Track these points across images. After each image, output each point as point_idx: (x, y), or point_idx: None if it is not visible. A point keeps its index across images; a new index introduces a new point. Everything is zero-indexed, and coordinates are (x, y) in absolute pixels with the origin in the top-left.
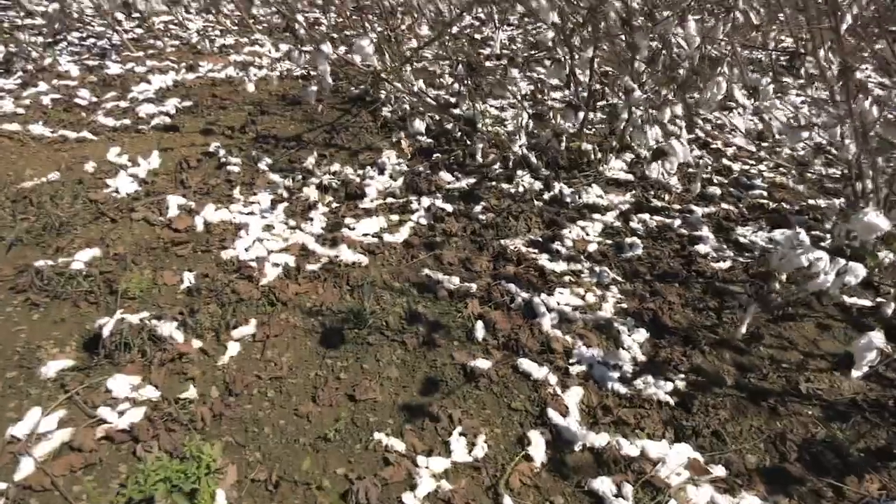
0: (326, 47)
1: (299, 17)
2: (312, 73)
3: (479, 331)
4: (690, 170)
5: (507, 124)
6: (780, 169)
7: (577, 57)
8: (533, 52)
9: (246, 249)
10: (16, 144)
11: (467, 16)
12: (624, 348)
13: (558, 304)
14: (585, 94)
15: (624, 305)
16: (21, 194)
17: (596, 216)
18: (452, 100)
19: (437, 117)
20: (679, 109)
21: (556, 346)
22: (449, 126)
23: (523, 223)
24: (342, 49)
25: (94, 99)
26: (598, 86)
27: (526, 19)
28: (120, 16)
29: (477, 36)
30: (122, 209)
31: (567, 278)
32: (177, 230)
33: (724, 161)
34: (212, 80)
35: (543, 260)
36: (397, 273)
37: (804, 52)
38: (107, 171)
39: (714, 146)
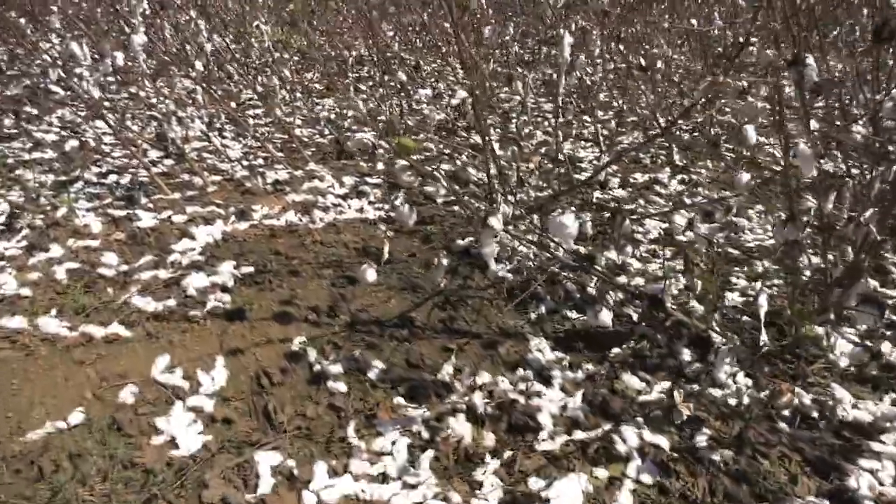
0: (497, 221)
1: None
2: (391, 213)
3: None
4: None
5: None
6: None
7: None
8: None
9: None
10: (19, 355)
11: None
12: None
13: None
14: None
15: None
16: (25, 456)
17: (875, 447)
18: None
19: (570, 280)
20: None
21: None
22: (589, 287)
23: (781, 468)
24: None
25: (125, 267)
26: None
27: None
28: (143, 143)
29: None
30: (186, 482)
31: None
32: None
33: None
34: (270, 229)
35: None
36: None
37: None
38: (154, 402)
39: None
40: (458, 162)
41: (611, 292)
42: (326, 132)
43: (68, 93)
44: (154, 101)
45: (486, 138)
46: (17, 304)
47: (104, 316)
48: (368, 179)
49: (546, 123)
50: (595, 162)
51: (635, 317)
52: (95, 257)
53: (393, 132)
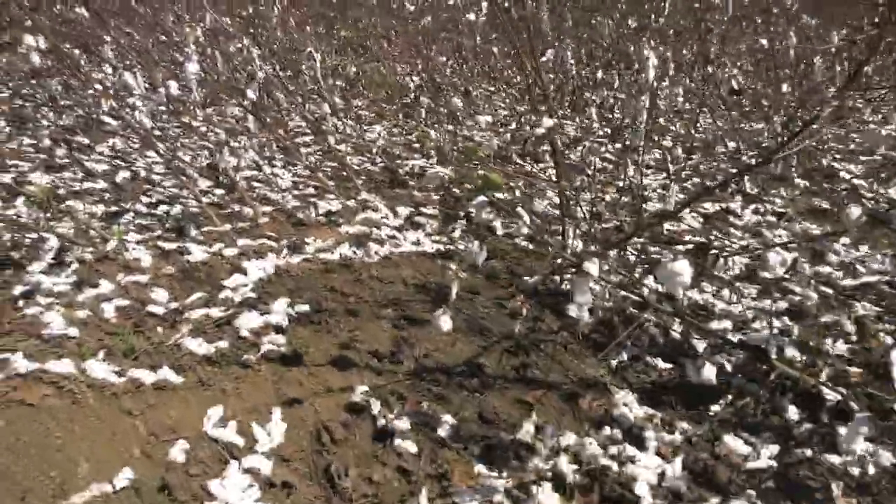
0: (594, 267)
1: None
2: (449, 246)
3: None
4: None
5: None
6: None
7: None
8: None
9: None
10: (65, 403)
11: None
12: None
13: None
14: None
15: None
16: None
17: None
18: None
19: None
20: None
21: None
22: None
23: None
24: None
25: (175, 304)
26: None
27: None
28: (194, 172)
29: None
30: None
31: None
32: None
33: None
34: (324, 263)
35: None
36: None
37: None
38: (207, 461)
39: None
40: (517, 192)
41: (698, 338)
42: (378, 160)
43: (119, 122)
44: (205, 130)
45: (561, 170)
46: (64, 345)
47: (154, 359)
48: (423, 210)
49: (603, 150)
50: (662, 190)
51: (729, 367)
52: (145, 294)
53: (445, 160)
